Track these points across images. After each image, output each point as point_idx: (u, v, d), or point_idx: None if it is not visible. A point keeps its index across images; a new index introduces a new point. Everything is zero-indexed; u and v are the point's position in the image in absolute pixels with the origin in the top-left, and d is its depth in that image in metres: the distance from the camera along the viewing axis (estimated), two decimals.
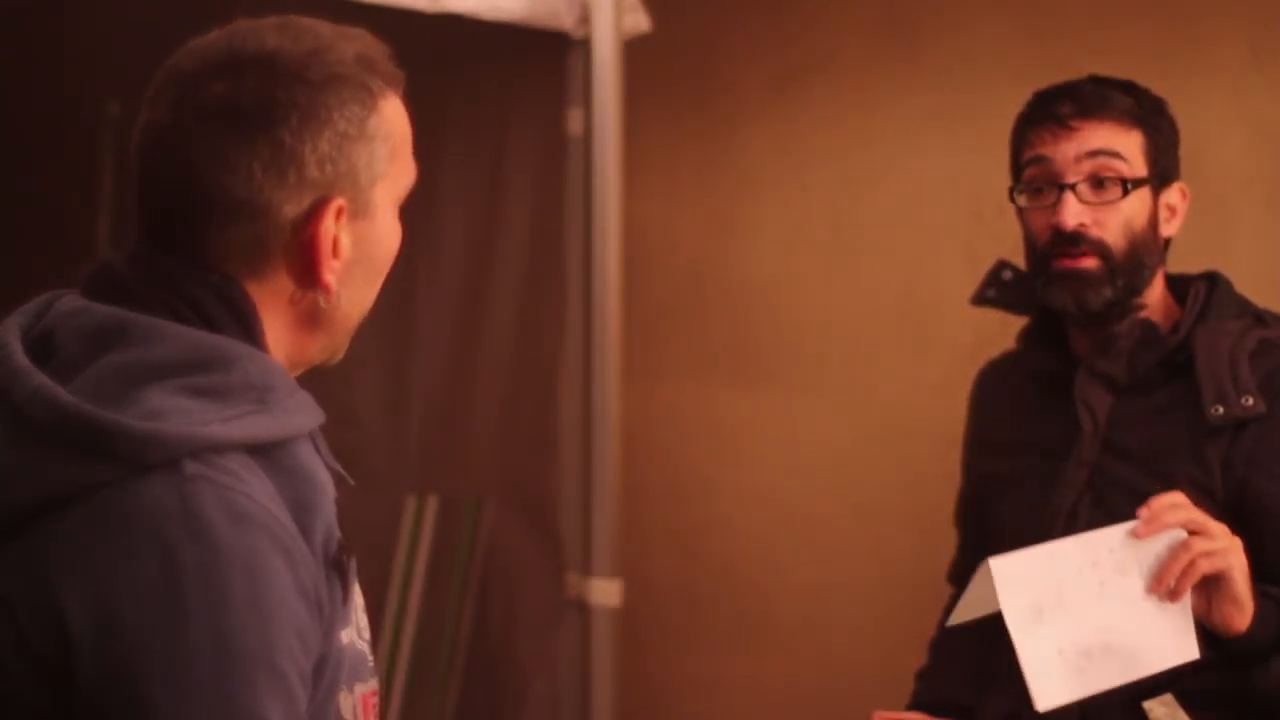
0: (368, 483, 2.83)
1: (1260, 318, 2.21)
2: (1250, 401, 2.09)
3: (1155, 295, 2.21)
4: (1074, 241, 2.13)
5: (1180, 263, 2.70)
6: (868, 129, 3.07)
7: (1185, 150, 2.72)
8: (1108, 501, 2.14)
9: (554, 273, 2.93)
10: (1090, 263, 2.15)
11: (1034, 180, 2.16)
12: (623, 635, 2.85)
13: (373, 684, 1.40)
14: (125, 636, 1.21)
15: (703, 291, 3.29)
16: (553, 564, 2.93)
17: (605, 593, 2.83)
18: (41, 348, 1.32)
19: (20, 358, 1.30)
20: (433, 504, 3.19)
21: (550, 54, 2.87)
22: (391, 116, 1.40)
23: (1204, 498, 2.09)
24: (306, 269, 1.36)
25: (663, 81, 3.22)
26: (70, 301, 1.35)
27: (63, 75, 3.31)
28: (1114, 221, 2.15)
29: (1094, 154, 2.15)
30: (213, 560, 1.23)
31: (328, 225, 1.36)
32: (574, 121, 2.87)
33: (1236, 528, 2.09)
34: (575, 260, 2.88)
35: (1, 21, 2.80)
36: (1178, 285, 2.24)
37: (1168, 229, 2.23)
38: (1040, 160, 2.16)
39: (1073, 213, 2.13)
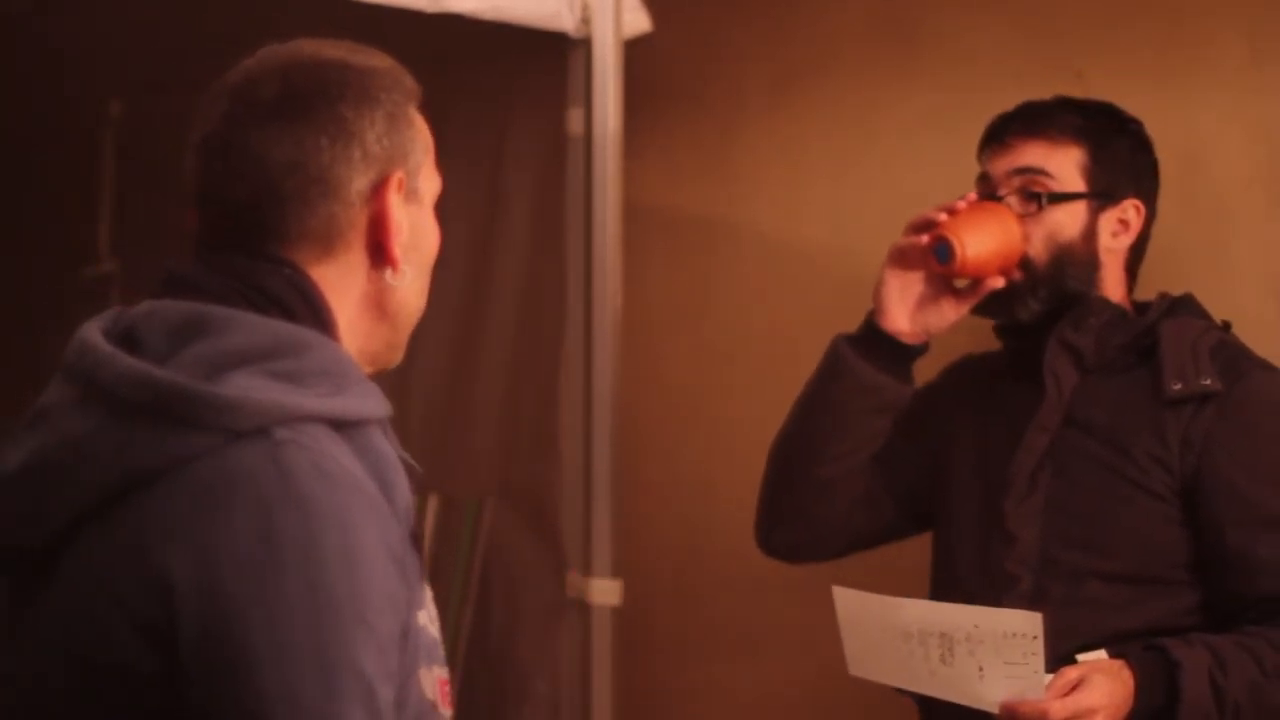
0: None
1: (1224, 326, 2.32)
2: (1208, 381, 2.18)
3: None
4: None
5: (1181, 262, 2.70)
6: (868, 129, 3.07)
7: (1185, 150, 2.72)
8: (1069, 471, 2.23)
9: (554, 273, 2.94)
10: (1014, 274, 2.27)
11: (980, 194, 2.32)
12: (623, 635, 2.86)
13: (444, 672, 1.45)
14: (226, 593, 1.26)
15: (703, 291, 3.29)
16: (553, 564, 2.93)
17: (605, 593, 2.83)
18: (126, 343, 1.37)
19: (106, 345, 1.36)
20: (433, 504, 3.19)
21: (550, 54, 2.87)
22: (421, 119, 1.49)
23: (1161, 471, 2.17)
24: (378, 244, 1.44)
25: (663, 81, 3.22)
26: (147, 305, 1.41)
27: (63, 75, 3.31)
28: (1037, 234, 2.27)
29: (1021, 170, 2.30)
30: (307, 519, 1.28)
31: (393, 199, 1.43)
32: (574, 121, 2.87)
33: (1190, 505, 2.16)
34: (575, 260, 2.88)
35: (2, 23, 2.80)
36: (1141, 307, 2.34)
37: (1117, 243, 2.34)
38: (984, 178, 2.34)
39: None
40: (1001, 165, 2.32)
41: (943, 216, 2.27)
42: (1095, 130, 2.32)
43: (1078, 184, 2.29)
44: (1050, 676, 2.04)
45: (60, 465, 1.33)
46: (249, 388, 1.31)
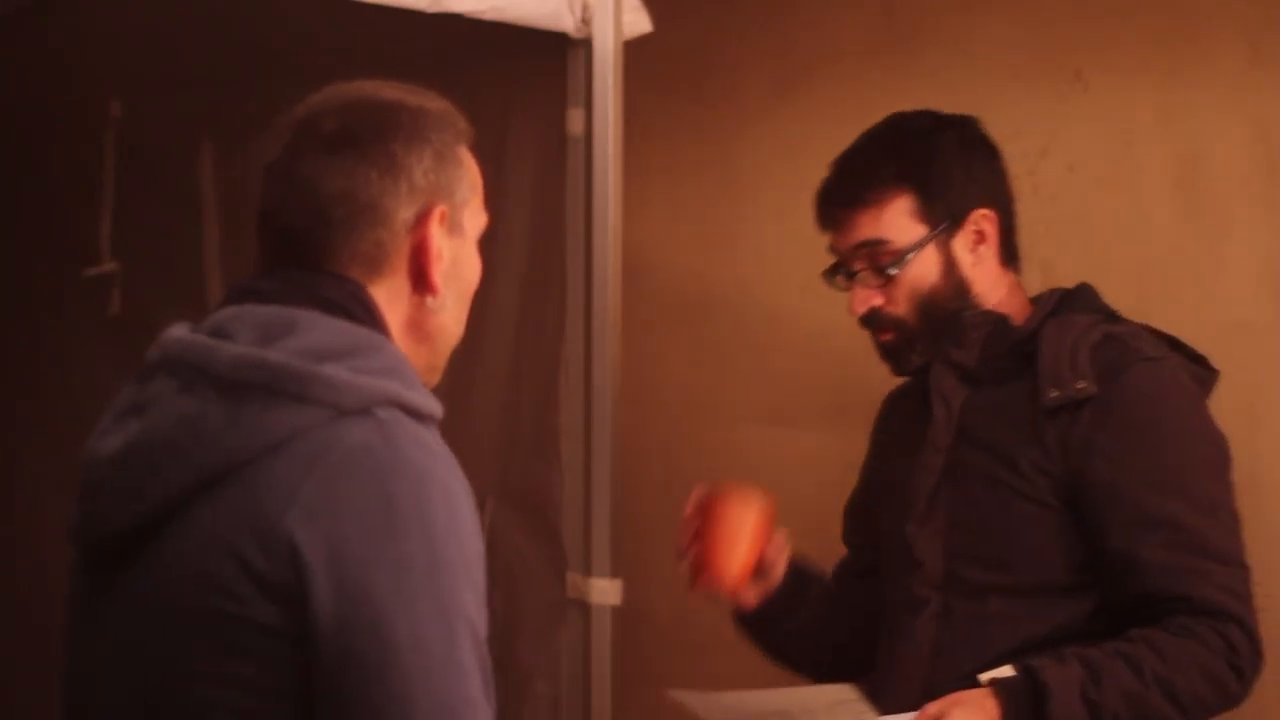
0: None
1: (1113, 318, 2.27)
2: (1082, 385, 2.15)
3: (1003, 308, 2.29)
4: (870, 322, 2.29)
5: (1181, 262, 2.70)
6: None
7: (1185, 150, 2.72)
8: (964, 487, 2.22)
9: (554, 273, 2.93)
10: (887, 337, 2.30)
11: (837, 265, 2.33)
12: (623, 635, 2.85)
13: None
14: (356, 557, 1.40)
15: (703, 291, 3.30)
16: (553, 564, 2.93)
17: (606, 592, 2.83)
18: (217, 338, 1.49)
19: (208, 338, 1.49)
20: None
21: (550, 54, 2.87)
22: (470, 158, 1.65)
23: (1046, 479, 2.15)
24: (420, 271, 1.58)
25: (663, 82, 3.22)
26: (230, 309, 1.53)
27: (64, 76, 3.31)
28: (899, 294, 2.27)
29: (859, 246, 2.29)
30: (419, 487, 1.43)
31: (435, 229, 1.58)
32: (574, 121, 2.87)
33: (1076, 510, 2.15)
34: (575, 260, 2.88)
35: (2, 23, 2.80)
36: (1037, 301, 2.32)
37: (979, 255, 2.32)
38: (833, 249, 2.34)
39: (859, 300, 2.29)
40: (842, 243, 2.32)
41: (687, 566, 2.33)
42: (914, 164, 2.29)
43: (916, 231, 2.27)
44: (909, 716, 2.04)
45: (174, 442, 1.45)
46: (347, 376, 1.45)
